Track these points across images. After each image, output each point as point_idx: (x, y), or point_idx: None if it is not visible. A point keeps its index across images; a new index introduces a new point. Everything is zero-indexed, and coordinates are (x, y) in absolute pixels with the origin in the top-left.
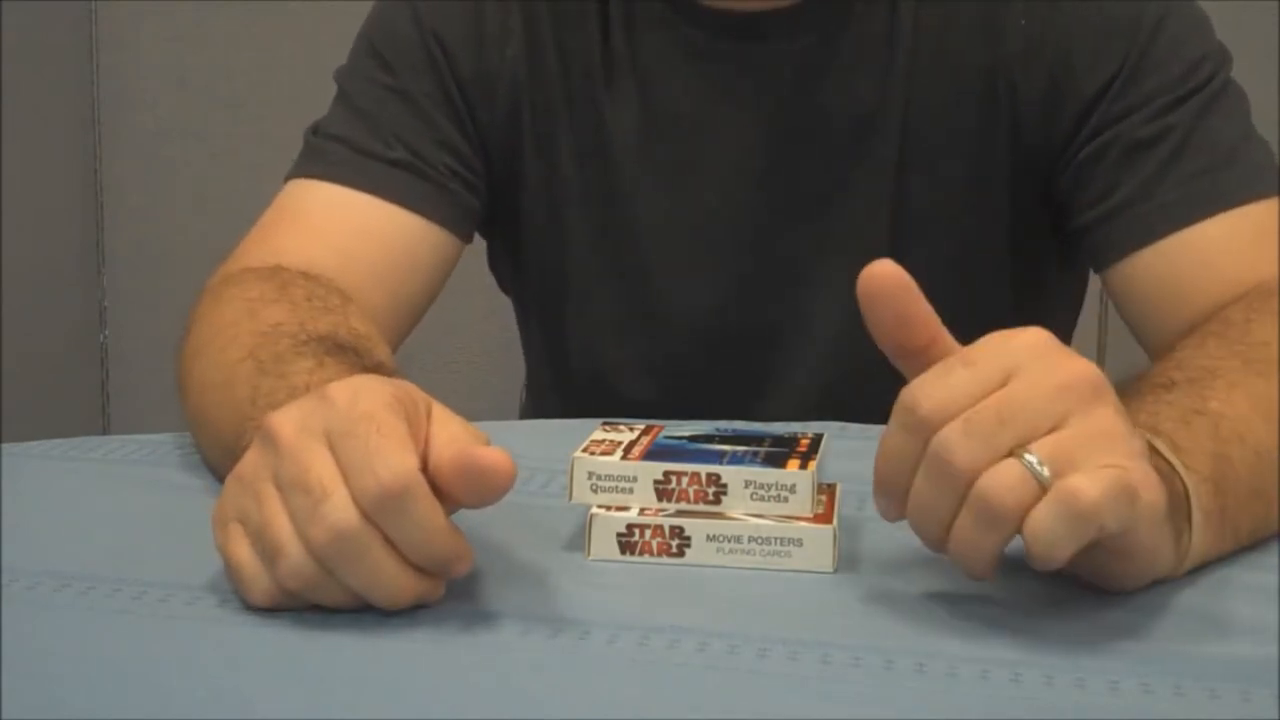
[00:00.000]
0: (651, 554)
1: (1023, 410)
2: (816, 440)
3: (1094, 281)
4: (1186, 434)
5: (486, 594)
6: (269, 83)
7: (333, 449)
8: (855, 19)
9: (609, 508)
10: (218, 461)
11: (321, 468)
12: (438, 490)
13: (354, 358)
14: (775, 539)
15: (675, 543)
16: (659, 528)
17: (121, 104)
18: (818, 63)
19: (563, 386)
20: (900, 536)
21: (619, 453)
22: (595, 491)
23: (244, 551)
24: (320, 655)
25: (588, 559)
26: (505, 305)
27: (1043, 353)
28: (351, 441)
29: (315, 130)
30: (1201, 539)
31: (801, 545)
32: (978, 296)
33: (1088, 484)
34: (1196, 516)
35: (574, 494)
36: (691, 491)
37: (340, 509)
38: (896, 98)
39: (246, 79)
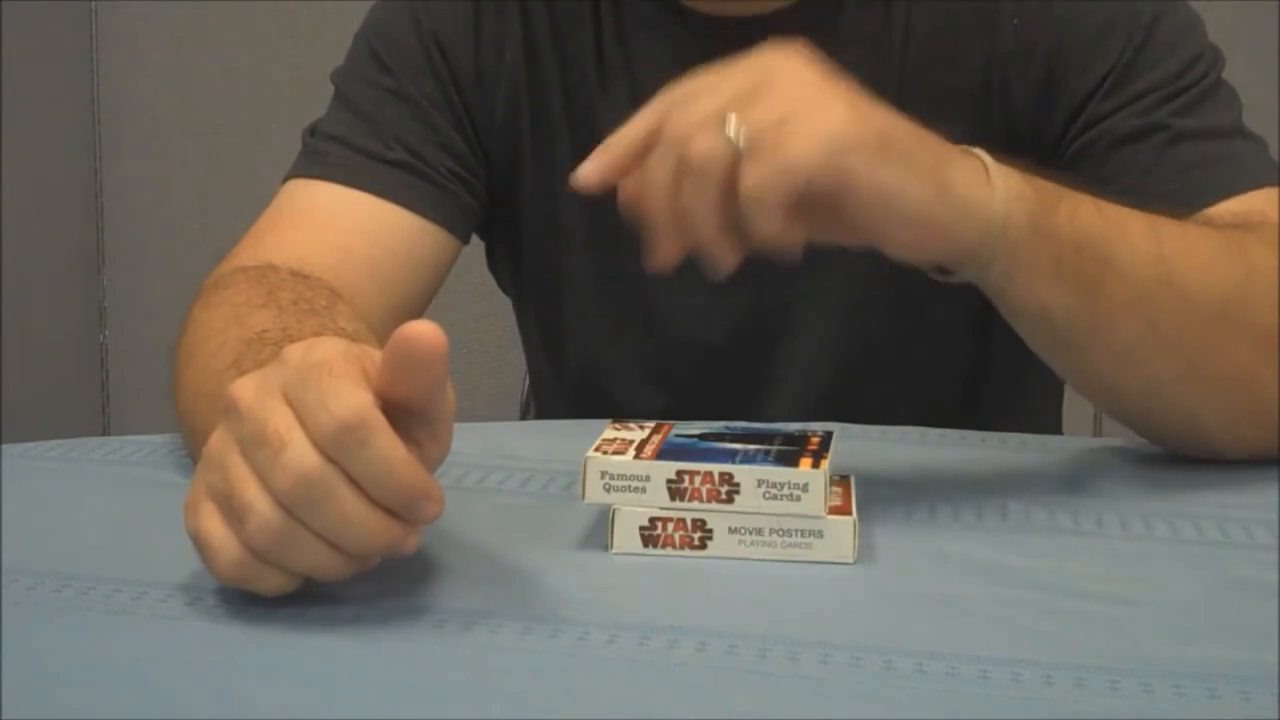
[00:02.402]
0: (674, 546)
1: (723, 83)
2: (826, 438)
3: None
4: (1020, 169)
5: (486, 594)
6: (269, 83)
7: (288, 400)
8: (847, 21)
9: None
10: None
11: (278, 419)
12: (401, 432)
13: None
14: (796, 531)
15: (697, 535)
16: (681, 520)
17: (121, 104)
18: None
19: (562, 388)
20: (902, 538)
21: (631, 451)
22: (609, 491)
23: (211, 523)
24: (320, 655)
25: (610, 553)
26: (503, 306)
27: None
28: (304, 387)
29: (313, 131)
30: (1008, 196)
31: (822, 536)
32: (973, 298)
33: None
34: (999, 177)
35: (587, 493)
36: (704, 490)
37: (300, 453)
38: (887, 98)
39: (246, 79)
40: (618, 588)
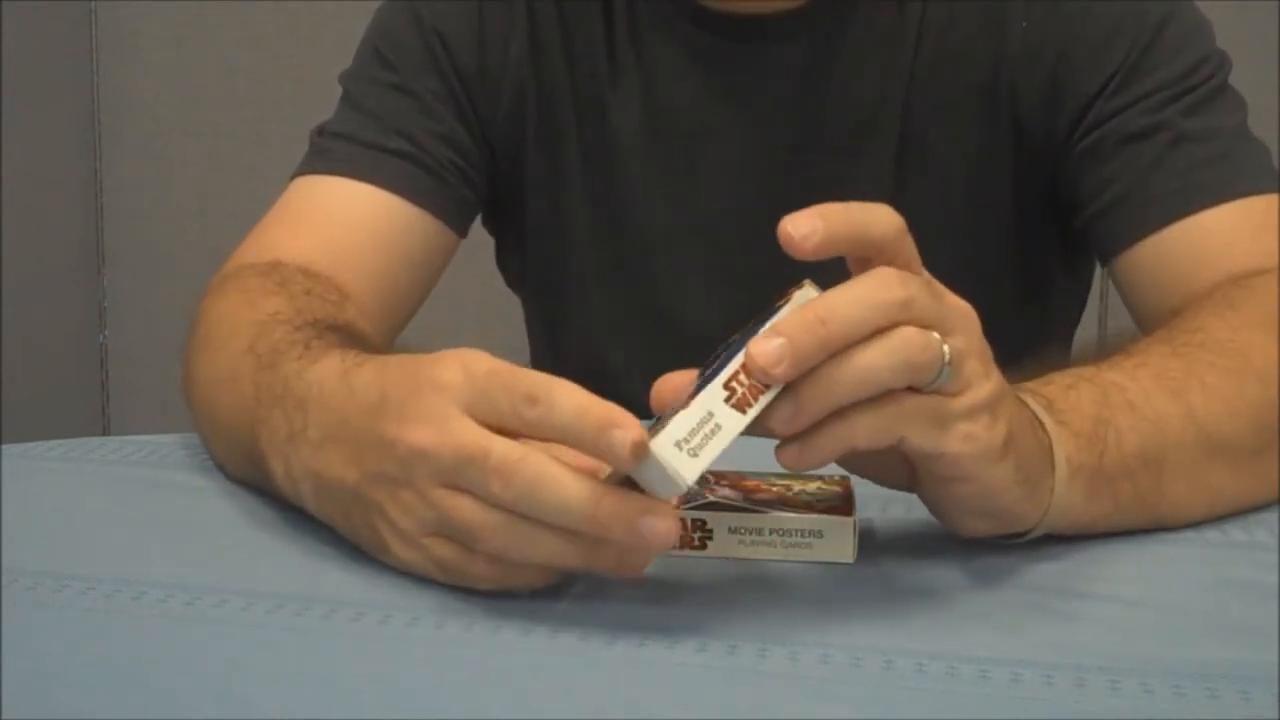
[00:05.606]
0: (674, 546)
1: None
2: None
3: (1094, 282)
4: (1066, 396)
5: (486, 595)
6: (269, 83)
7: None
8: (859, 20)
9: None
10: (229, 455)
11: (473, 436)
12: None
13: (345, 337)
14: (796, 531)
15: (698, 535)
16: (681, 520)
17: (121, 104)
18: (820, 64)
19: None
20: (902, 538)
21: None
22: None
23: (443, 550)
24: (320, 655)
25: None
26: (506, 306)
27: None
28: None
29: (320, 131)
30: (1068, 491)
31: (822, 536)
32: (979, 295)
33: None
34: (1061, 468)
35: None
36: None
37: (502, 447)
38: (897, 97)
39: (246, 79)
40: (618, 588)
